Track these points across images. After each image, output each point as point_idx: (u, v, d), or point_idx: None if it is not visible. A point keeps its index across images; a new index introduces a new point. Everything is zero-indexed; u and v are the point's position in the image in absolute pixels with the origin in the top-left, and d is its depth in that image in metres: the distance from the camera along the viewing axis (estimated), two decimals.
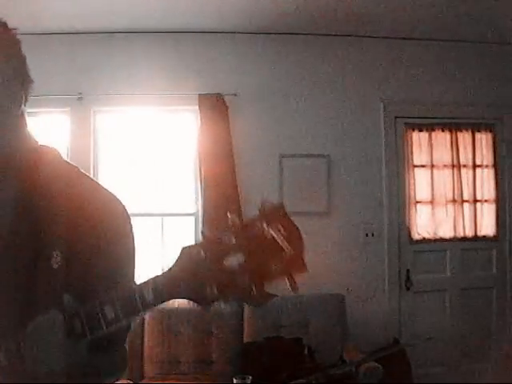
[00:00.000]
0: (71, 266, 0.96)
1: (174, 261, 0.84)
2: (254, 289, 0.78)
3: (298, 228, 0.80)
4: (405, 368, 3.76)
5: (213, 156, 3.98)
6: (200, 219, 4.07)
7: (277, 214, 0.79)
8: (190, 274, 0.82)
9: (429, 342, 4.08)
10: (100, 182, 1.10)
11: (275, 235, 0.78)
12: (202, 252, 0.80)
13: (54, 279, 0.95)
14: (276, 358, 3.57)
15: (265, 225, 0.78)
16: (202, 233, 0.84)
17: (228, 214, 0.81)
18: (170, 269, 0.84)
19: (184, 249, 0.84)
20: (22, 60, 1.05)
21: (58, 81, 3.97)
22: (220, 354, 3.75)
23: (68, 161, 1.11)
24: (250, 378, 2.89)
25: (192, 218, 4.15)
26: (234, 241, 0.78)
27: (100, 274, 0.99)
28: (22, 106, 1.05)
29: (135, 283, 0.90)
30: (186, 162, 4.19)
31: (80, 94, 4.00)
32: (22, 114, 1.06)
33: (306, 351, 3.67)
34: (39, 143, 1.10)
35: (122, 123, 4.21)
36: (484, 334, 4.30)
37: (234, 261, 0.78)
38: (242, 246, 0.78)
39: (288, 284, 0.79)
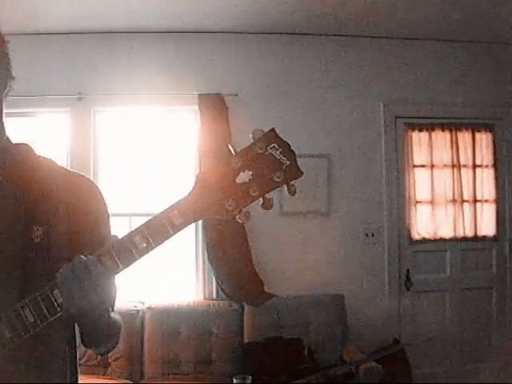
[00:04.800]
0: (54, 237, 1.06)
1: (192, 187, 0.96)
2: (263, 199, 0.98)
3: (288, 143, 1.00)
4: (405, 368, 3.76)
5: (213, 156, 3.98)
6: None
7: (270, 136, 0.99)
8: (209, 194, 0.95)
9: (429, 342, 4.08)
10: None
11: (273, 152, 0.98)
12: (215, 174, 0.95)
13: (38, 252, 1.04)
14: (276, 358, 3.57)
15: (263, 146, 0.97)
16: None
17: (229, 146, 0.99)
18: (190, 193, 0.96)
19: (198, 175, 0.97)
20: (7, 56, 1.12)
21: (58, 81, 3.97)
22: (220, 354, 3.75)
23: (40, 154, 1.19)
24: (250, 378, 2.89)
25: None
26: (239, 163, 0.95)
27: (84, 233, 1.09)
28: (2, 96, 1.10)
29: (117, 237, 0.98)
30: (186, 161, 4.19)
31: (80, 93, 4.00)
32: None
33: (306, 351, 3.67)
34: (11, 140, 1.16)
35: (122, 123, 4.21)
36: (484, 334, 4.30)
37: (244, 177, 0.95)
38: (248, 165, 0.95)
39: (287, 191, 1.01)
